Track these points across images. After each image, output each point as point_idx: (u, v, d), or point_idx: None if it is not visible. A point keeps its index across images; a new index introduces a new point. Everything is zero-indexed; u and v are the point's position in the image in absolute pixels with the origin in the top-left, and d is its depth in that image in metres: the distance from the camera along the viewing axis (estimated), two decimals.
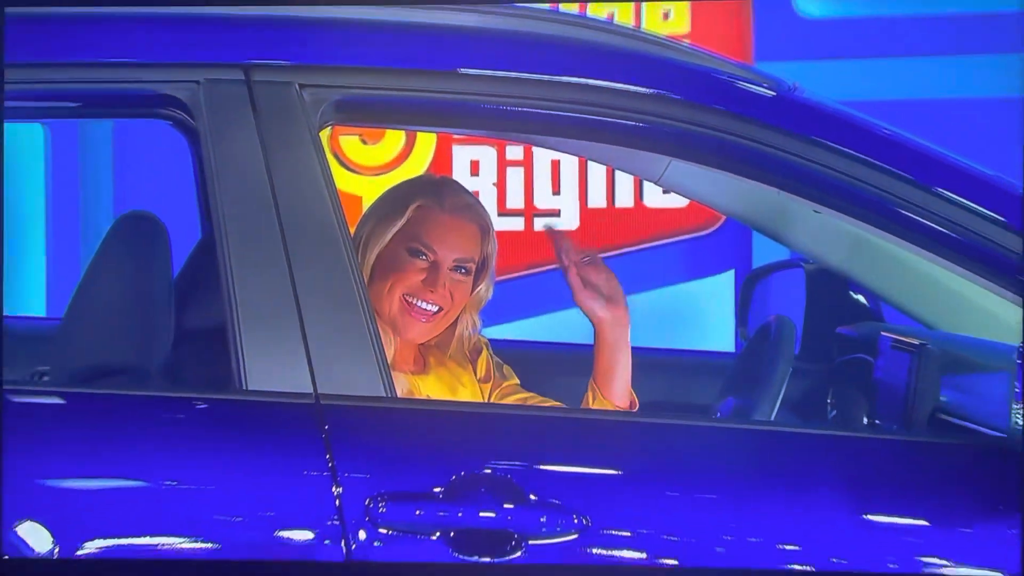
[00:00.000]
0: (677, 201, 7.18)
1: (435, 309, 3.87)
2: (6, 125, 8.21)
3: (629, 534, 3.07)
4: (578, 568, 3.16)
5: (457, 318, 4.02)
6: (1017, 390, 3.10)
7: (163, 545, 3.05)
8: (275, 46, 3.37)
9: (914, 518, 3.11)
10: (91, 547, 3.05)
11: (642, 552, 3.07)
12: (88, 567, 3.57)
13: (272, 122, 3.18)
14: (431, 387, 3.86)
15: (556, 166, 7.56)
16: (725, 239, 7.40)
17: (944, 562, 3.07)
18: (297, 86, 3.22)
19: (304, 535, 3.05)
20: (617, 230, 7.41)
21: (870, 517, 3.08)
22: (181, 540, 3.07)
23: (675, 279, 7.25)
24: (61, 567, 3.57)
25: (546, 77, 3.32)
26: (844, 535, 3.08)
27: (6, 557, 3.41)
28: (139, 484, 3.08)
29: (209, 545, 3.06)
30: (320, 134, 3.32)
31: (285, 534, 3.08)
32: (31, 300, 7.89)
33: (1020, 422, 3.05)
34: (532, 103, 3.35)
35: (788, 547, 3.00)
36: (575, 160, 7.41)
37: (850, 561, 3.09)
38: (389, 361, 3.64)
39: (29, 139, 7.86)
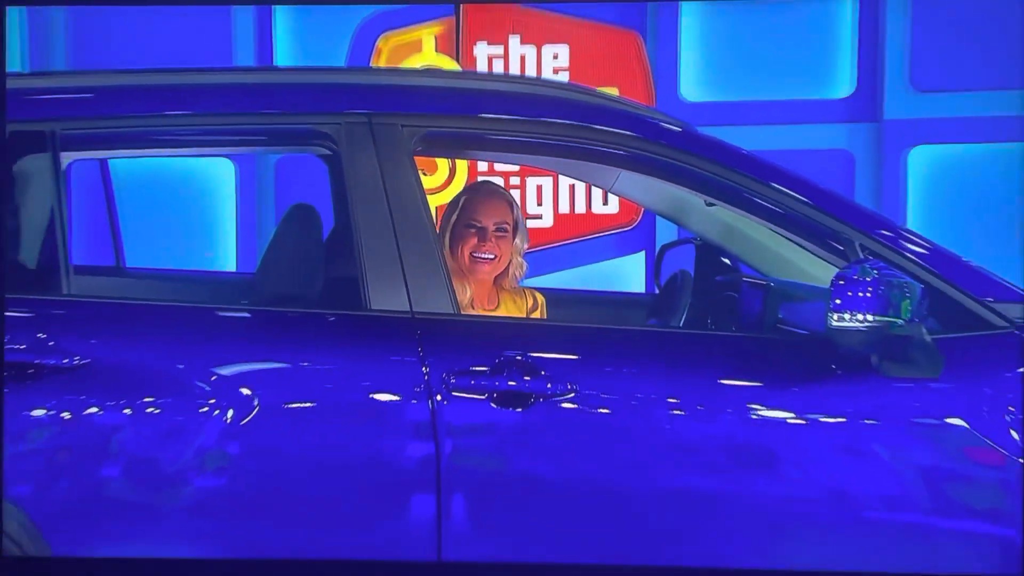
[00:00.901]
0: (612, 209, 8.36)
1: (491, 256, 5.08)
2: (208, 159, 7.63)
3: (599, 394, 4.04)
4: (579, 568, 3.98)
5: (509, 262, 5.24)
6: (832, 305, 3.91)
7: (313, 403, 4.04)
8: (386, 101, 4.44)
9: (756, 381, 4.08)
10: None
11: (607, 408, 4.07)
12: (88, 567, 4.13)
13: (384, 149, 4.24)
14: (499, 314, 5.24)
15: (540, 189, 8.46)
16: (640, 232, 8.35)
17: (780, 413, 4.08)
18: (400, 126, 4.28)
19: (406, 397, 4.01)
20: (575, 227, 8.37)
21: (732, 381, 4.06)
22: (328, 401, 4.01)
23: (611, 256, 8.27)
24: (61, 567, 4.05)
25: (545, 119, 4.43)
26: (721, 387, 4.10)
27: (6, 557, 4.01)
28: (304, 364, 4.04)
29: (347, 397, 4.05)
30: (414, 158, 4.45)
31: (393, 397, 4.03)
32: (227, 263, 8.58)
33: (833, 324, 3.91)
34: (534, 136, 4.50)
35: (678, 396, 4.03)
36: (551, 183, 8.43)
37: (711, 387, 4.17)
38: (468, 302, 5.02)
39: (222, 168, 8.58)
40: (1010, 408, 4.06)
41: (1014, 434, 4.04)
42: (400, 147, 4.25)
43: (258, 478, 4.05)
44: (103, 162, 5.64)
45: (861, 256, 4.17)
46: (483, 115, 4.57)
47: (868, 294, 3.88)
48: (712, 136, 4.57)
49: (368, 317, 4.10)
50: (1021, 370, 4.13)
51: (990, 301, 4.21)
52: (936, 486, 4.12)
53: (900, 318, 3.89)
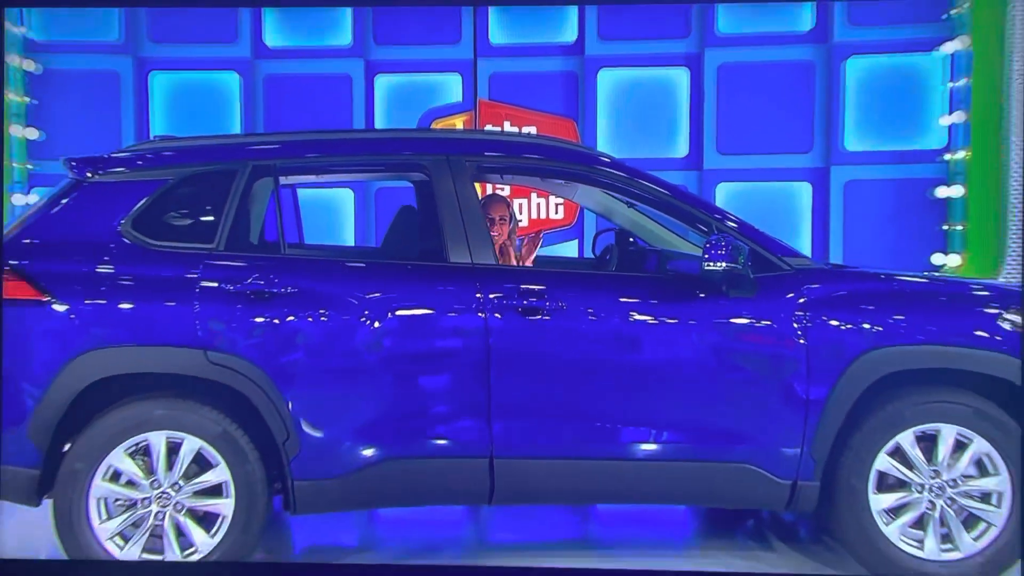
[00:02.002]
0: (559, 216, 8.99)
1: (496, 235, 5.93)
2: (337, 188, 8.71)
3: (576, 307, 4.81)
4: (580, 569, 4.29)
5: (510, 241, 6.10)
6: (703, 258, 4.69)
7: (420, 310, 4.77)
8: (456, 147, 5.19)
9: (660, 300, 4.87)
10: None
11: (581, 315, 4.83)
12: (88, 568, 4.26)
13: (457, 174, 5.04)
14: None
15: (520, 207, 9.00)
16: (575, 229, 8.98)
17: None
18: (466, 162, 5.08)
19: (470, 309, 4.75)
20: (542, 225, 8.86)
21: (648, 301, 4.87)
22: (430, 310, 4.79)
23: (560, 241, 8.97)
24: (61, 568, 4.11)
25: (536, 157, 5.34)
26: (641, 303, 4.89)
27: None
28: (416, 291, 4.77)
29: (424, 312, 4.77)
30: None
31: (463, 308, 4.77)
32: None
33: (705, 268, 4.72)
34: (539, 165, 5.36)
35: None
36: (528, 202, 9.01)
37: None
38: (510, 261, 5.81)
39: (343, 195, 9.06)
40: (796, 313, 4.91)
41: (795, 326, 4.88)
42: (465, 173, 5.06)
43: (387, 356, 4.79)
44: (293, 187, 6.27)
45: (715, 231, 4.97)
46: (509, 155, 5.37)
47: (723, 252, 4.69)
48: (631, 163, 5.37)
49: (449, 266, 4.90)
50: (791, 295, 4.98)
51: (776, 254, 5.12)
52: (753, 352, 4.97)
53: (738, 264, 4.74)
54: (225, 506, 4.73)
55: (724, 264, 4.73)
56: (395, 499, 5.01)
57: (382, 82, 8.58)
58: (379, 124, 8.50)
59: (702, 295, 4.91)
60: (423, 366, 4.79)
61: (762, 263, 4.98)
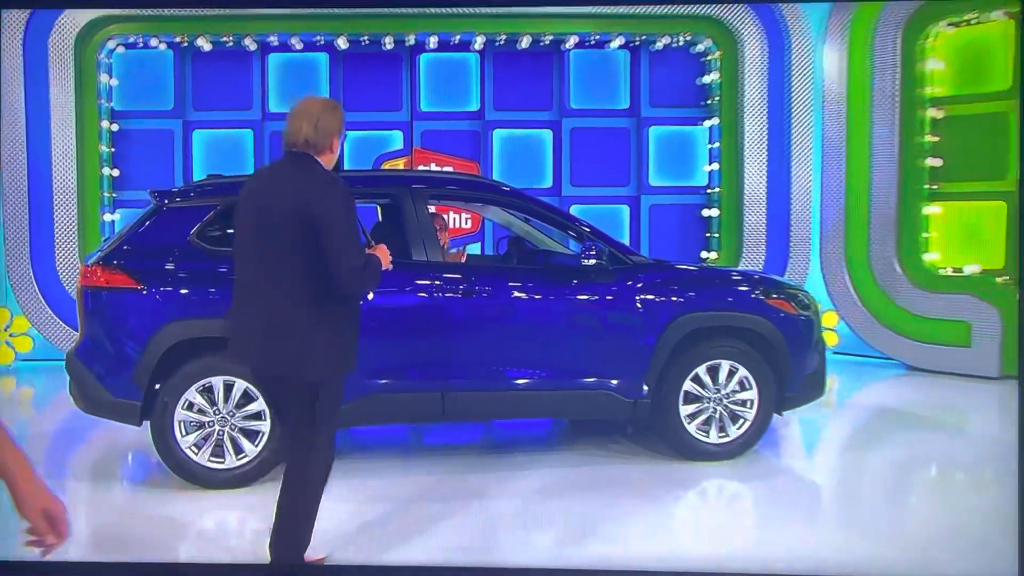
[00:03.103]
0: (468, 226, 8.58)
1: (442, 242, 5.36)
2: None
3: (496, 291, 4.64)
4: (580, 569, 3.47)
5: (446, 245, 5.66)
6: (582, 255, 4.63)
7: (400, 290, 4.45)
8: (415, 181, 4.89)
9: (549, 283, 4.72)
10: None
11: (500, 296, 4.64)
12: (88, 569, 3.33)
13: (416, 201, 4.72)
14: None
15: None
16: (478, 235, 8.67)
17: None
18: (421, 191, 4.79)
19: (429, 298, 4.53)
20: (458, 232, 8.44)
21: (542, 284, 4.72)
22: (404, 292, 4.49)
23: (468, 242, 8.45)
24: (61, 569, 3.00)
25: (460, 187, 5.16)
26: (538, 287, 4.72)
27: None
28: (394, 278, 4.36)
29: (399, 292, 4.48)
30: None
31: (424, 293, 4.56)
32: None
33: (583, 263, 4.66)
34: (471, 194, 5.20)
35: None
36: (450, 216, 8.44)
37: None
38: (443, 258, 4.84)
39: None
40: (636, 291, 4.82)
41: (635, 299, 4.80)
42: (421, 199, 4.84)
43: (374, 324, 4.40)
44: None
45: (587, 238, 4.91)
46: (446, 186, 5.16)
47: (593, 252, 4.69)
48: (522, 190, 5.25)
49: (414, 263, 4.70)
50: (632, 280, 4.85)
51: (624, 253, 5.02)
52: (610, 317, 4.85)
53: (602, 260, 4.73)
54: (264, 426, 4.55)
55: (594, 260, 4.68)
56: (381, 419, 4.82)
57: (349, 136, 8.34)
58: (347, 165, 8.20)
59: (579, 280, 4.82)
60: (400, 330, 4.59)
61: (615, 259, 4.90)
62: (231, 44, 7.83)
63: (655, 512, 4.24)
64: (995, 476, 5.02)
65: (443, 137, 8.38)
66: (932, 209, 7.80)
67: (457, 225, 8.57)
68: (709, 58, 8.29)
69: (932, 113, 7.78)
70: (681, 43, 8.24)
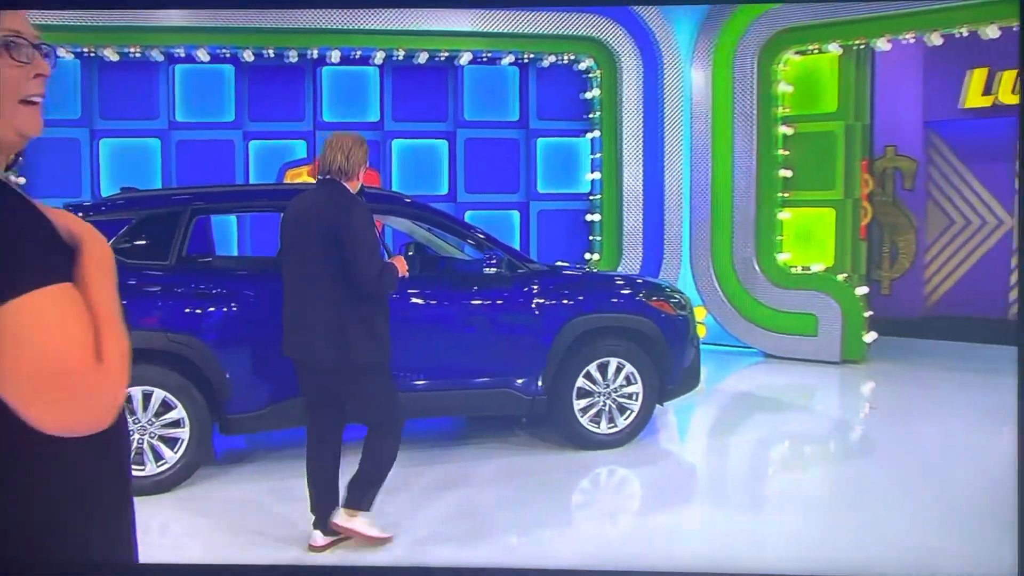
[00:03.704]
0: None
1: None
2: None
3: (428, 292, 4.59)
4: (580, 569, 3.43)
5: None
6: (484, 264, 4.59)
7: None
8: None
9: (455, 289, 4.68)
10: None
11: (434, 299, 4.59)
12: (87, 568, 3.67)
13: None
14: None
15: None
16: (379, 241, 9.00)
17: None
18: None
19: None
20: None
21: (450, 290, 4.70)
22: None
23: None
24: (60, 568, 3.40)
25: (383, 205, 4.91)
26: (446, 292, 4.67)
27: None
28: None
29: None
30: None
31: None
32: None
33: (485, 271, 4.62)
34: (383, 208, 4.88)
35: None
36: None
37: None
38: None
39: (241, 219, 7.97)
40: (532, 295, 4.83)
41: (532, 303, 4.82)
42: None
43: None
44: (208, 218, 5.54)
45: (487, 248, 4.94)
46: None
47: (494, 260, 4.70)
48: (424, 201, 5.24)
49: None
50: (528, 285, 4.81)
51: (521, 261, 5.03)
52: (511, 319, 4.87)
53: (502, 268, 4.75)
54: (183, 433, 4.42)
55: (495, 268, 4.68)
56: (299, 423, 4.64)
57: (254, 145, 8.07)
58: (253, 175, 7.95)
59: (481, 287, 4.84)
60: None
61: (512, 266, 4.92)
62: (138, 55, 7.45)
63: (558, 499, 4.35)
64: (837, 447, 5.50)
65: None
66: (784, 215, 8.22)
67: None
68: (591, 75, 8.45)
69: (784, 130, 8.19)
70: (566, 61, 8.36)
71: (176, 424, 4.38)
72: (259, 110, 7.96)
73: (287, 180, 7.96)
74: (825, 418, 6.49)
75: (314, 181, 7.58)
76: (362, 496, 3.53)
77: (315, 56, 7.82)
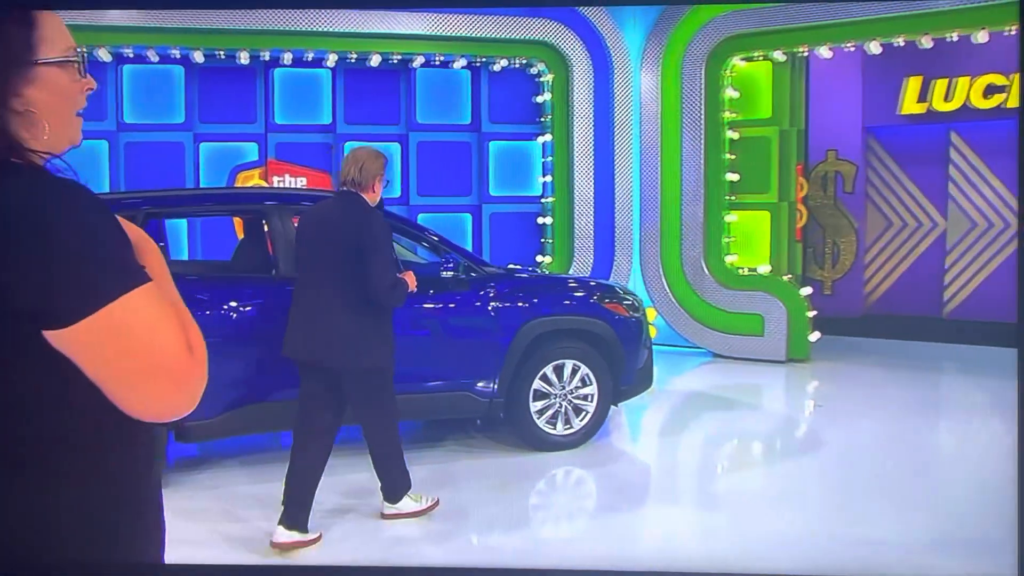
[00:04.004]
0: None
1: None
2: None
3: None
4: (580, 569, 3.37)
5: None
6: (442, 267, 4.57)
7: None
8: (282, 199, 4.70)
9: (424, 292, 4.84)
10: None
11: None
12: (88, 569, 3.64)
13: (284, 217, 4.50)
14: None
15: None
16: None
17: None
18: (287, 207, 4.57)
19: None
20: None
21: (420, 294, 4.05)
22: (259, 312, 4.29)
23: None
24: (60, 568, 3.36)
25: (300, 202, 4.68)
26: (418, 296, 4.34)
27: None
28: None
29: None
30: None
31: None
32: None
33: (442, 275, 4.59)
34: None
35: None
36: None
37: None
38: None
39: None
40: (489, 299, 4.83)
41: (489, 306, 4.83)
42: (287, 214, 4.62)
43: (243, 336, 4.35)
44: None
45: (444, 252, 4.93)
46: (302, 202, 4.77)
47: (452, 265, 4.73)
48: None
49: (278, 277, 4.48)
50: (485, 289, 4.80)
51: (477, 264, 5.03)
52: (469, 323, 4.90)
53: (460, 272, 4.74)
54: None
55: (452, 272, 4.70)
56: (257, 428, 4.66)
57: (205, 147, 7.93)
58: (203, 177, 7.80)
59: (439, 290, 4.82)
60: (269, 343, 4.21)
61: (470, 269, 4.91)
62: (85, 54, 7.24)
63: (517, 500, 4.40)
64: (783, 444, 5.72)
65: (296, 149, 8.12)
66: (731, 217, 8.39)
67: None
68: (543, 80, 8.51)
69: (730, 134, 8.36)
70: (518, 65, 8.41)
71: None
72: (210, 112, 7.84)
73: (238, 183, 7.84)
74: (775, 416, 6.69)
75: (266, 185, 7.67)
76: (392, 482, 3.86)
77: (267, 58, 7.74)
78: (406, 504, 3.92)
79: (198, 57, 7.57)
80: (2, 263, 1.02)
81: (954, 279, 9.34)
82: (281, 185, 7.89)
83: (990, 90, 8.51)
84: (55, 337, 1.04)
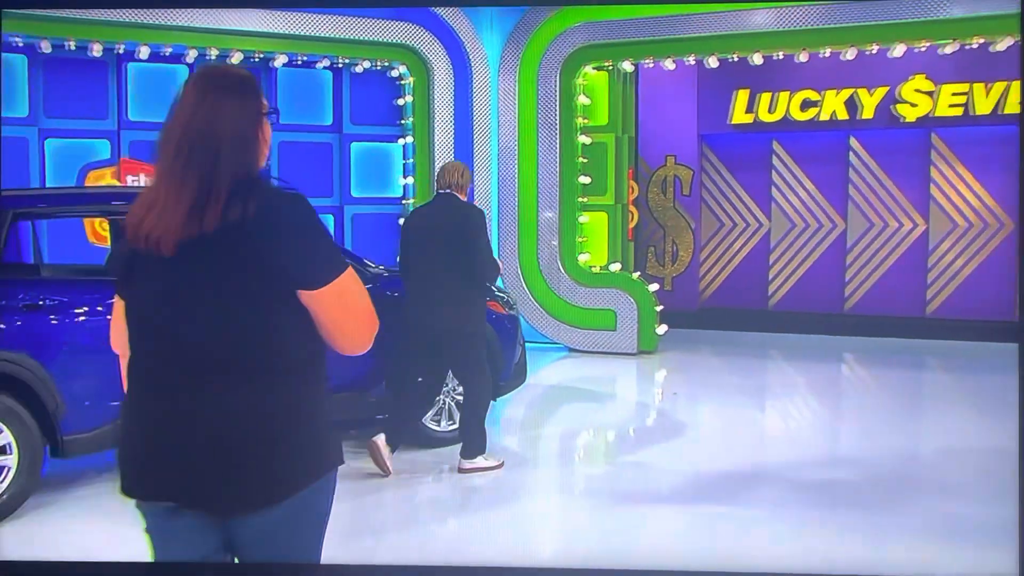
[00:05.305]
0: None
1: None
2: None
3: None
4: (580, 569, 3.31)
5: None
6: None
7: None
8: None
9: None
10: None
11: None
12: (87, 568, 3.11)
13: None
14: None
15: None
16: None
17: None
18: None
19: None
20: None
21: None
22: None
23: None
24: (60, 568, 2.94)
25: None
26: None
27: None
28: None
29: None
30: None
31: None
32: None
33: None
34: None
35: None
36: None
37: None
38: None
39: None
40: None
41: None
42: None
43: None
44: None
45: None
46: None
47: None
48: None
49: None
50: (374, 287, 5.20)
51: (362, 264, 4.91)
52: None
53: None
54: (9, 460, 4.10)
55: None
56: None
57: (51, 144, 7.43)
58: (49, 175, 7.32)
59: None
60: None
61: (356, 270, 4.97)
62: None
63: (413, 496, 4.55)
64: (637, 431, 6.12)
65: (151, 147, 7.82)
66: (583, 218, 8.82)
67: None
68: (404, 82, 8.59)
69: (583, 139, 8.80)
70: (379, 67, 8.44)
71: (2, 451, 4.07)
72: (56, 106, 7.38)
73: (89, 182, 7.44)
74: (633, 404, 7.15)
75: (119, 184, 7.27)
76: (471, 441, 4.69)
77: (121, 51, 7.34)
78: (480, 462, 4.72)
79: (45, 47, 7.06)
80: (280, 250, 1.67)
81: (778, 274, 10.23)
82: (136, 185, 7.48)
83: (806, 104, 9.36)
84: (306, 296, 1.70)
